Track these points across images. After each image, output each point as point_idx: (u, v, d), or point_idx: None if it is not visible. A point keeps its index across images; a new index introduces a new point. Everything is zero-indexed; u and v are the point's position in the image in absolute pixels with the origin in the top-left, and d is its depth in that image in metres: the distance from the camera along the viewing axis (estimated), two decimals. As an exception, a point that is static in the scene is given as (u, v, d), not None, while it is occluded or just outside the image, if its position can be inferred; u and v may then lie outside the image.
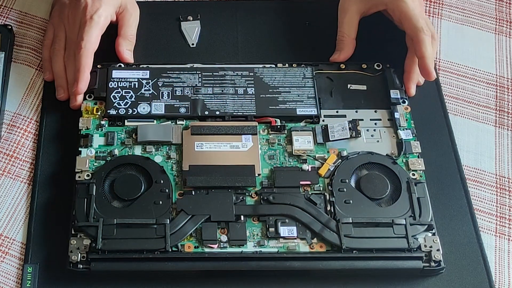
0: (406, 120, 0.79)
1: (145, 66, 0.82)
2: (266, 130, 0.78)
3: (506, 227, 0.76)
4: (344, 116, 0.79)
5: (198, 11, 0.89)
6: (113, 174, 0.74)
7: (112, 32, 0.85)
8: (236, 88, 0.80)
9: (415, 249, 0.70)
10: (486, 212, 0.77)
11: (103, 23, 0.80)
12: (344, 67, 0.83)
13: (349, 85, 0.82)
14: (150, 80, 0.80)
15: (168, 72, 0.81)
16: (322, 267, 0.69)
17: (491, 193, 0.78)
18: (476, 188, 0.78)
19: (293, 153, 0.76)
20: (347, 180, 0.74)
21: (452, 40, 0.90)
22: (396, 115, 0.79)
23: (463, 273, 0.72)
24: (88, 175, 0.74)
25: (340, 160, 0.76)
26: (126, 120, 0.78)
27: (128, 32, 0.84)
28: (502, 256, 0.74)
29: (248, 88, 0.80)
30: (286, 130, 0.78)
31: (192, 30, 0.88)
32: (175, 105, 0.79)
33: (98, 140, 0.77)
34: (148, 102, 0.79)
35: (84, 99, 0.79)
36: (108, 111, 0.78)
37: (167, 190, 0.73)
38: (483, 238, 0.74)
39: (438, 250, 0.70)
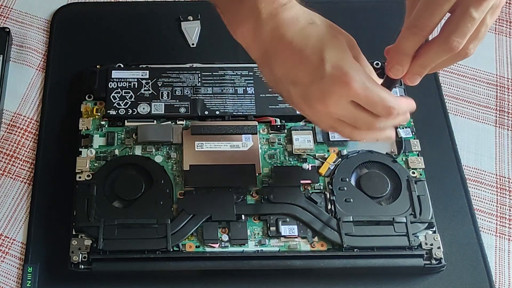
0: (406, 118, 0.79)
1: (144, 66, 0.82)
2: (266, 130, 0.78)
3: (506, 227, 0.76)
4: (344, 114, 0.79)
5: (198, 11, 0.89)
6: (113, 175, 0.74)
7: (112, 31, 0.85)
8: (235, 88, 0.80)
9: (416, 247, 0.70)
10: (486, 212, 0.77)
11: None
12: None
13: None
14: (149, 80, 0.80)
15: (167, 72, 0.81)
16: (323, 266, 0.69)
17: (491, 193, 0.78)
18: (476, 188, 0.78)
19: (293, 152, 0.76)
20: (347, 179, 0.74)
21: (451, 40, 0.90)
22: (396, 113, 0.78)
23: (463, 272, 0.72)
24: (88, 176, 0.73)
25: (340, 159, 0.76)
26: (126, 120, 0.78)
27: None
28: (502, 256, 0.74)
29: (247, 88, 0.80)
30: (286, 129, 0.78)
31: (192, 30, 0.88)
32: (175, 105, 0.79)
33: (98, 141, 0.76)
34: (148, 102, 0.79)
35: (84, 99, 0.79)
36: (108, 111, 0.78)
37: (167, 190, 0.73)
38: (483, 238, 0.75)
39: (438, 247, 0.70)
